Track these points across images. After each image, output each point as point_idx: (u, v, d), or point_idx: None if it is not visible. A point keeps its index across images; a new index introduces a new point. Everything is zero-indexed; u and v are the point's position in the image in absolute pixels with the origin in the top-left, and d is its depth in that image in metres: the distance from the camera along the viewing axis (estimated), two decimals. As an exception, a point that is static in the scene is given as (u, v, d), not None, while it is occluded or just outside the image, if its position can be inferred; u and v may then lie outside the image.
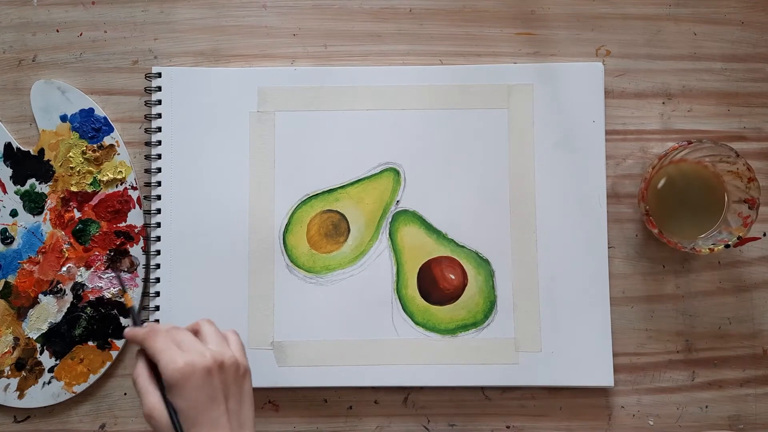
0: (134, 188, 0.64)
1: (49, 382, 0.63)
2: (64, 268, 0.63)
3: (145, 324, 0.53)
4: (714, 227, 0.62)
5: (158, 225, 0.63)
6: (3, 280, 0.63)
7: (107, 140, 0.64)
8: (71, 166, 0.64)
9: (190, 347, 0.51)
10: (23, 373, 0.63)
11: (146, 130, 0.64)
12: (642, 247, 0.64)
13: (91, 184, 0.64)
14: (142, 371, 0.51)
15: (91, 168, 0.64)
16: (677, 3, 0.65)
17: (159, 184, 0.64)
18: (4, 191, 0.64)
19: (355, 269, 0.63)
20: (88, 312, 0.63)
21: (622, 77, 0.65)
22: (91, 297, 0.63)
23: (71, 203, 0.64)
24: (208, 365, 0.50)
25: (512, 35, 0.65)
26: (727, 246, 0.59)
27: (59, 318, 0.63)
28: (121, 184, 0.64)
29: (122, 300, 0.63)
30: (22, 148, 0.64)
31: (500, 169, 0.63)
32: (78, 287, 0.63)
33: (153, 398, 0.50)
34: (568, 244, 0.63)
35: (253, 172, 0.64)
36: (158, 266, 0.63)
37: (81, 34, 0.66)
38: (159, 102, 0.64)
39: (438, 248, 0.63)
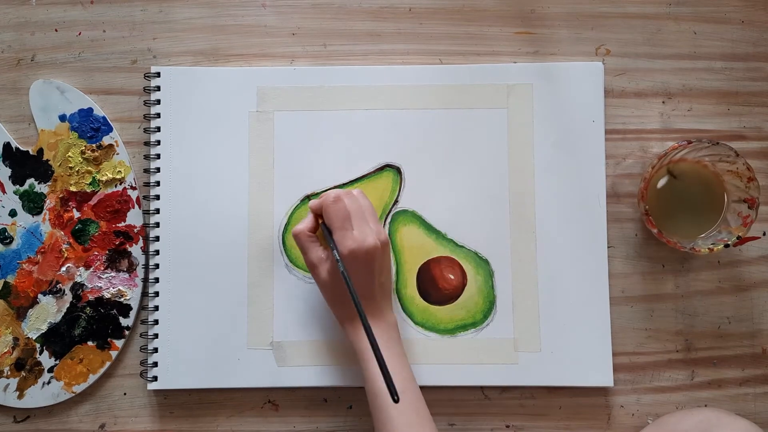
0: (133, 188, 0.64)
1: (49, 382, 0.63)
2: (64, 268, 0.63)
3: (327, 192, 0.58)
4: (713, 227, 0.62)
5: (157, 225, 0.63)
6: (2, 280, 0.63)
7: (106, 140, 0.64)
8: (70, 165, 0.64)
9: (359, 226, 0.57)
10: (23, 373, 0.63)
11: (145, 130, 0.64)
12: (641, 247, 0.64)
13: (90, 183, 0.64)
14: (303, 228, 0.58)
15: (90, 168, 0.64)
16: (677, 2, 0.65)
17: (158, 183, 0.63)
18: (3, 191, 0.64)
19: (354, 269, 0.63)
20: (88, 312, 0.63)
21: (622, 76, 0.65)
22: (91, 297, 0.63)
23: (70, 203, 0.64)
24: (370, 248, 0.56)
25: (512, 34, 0.65)
26: (726, 245, 0.58)
27: (59, 318, 0.63)
28: (120, 184, 0.64)
29: (122, 300, 0.63)
30: (21, 148, 0.64)
31: (500, 168, 0.63)
32: (77, 287, 0.63)
33: (314, 254, 0.58)
34: (568, 243, 0.63)
35: (253, 171, 0.63)
36: (157, 266, 0.63)
37: (80, 34, 0.65)
38: (158, 101, 0.64)
39: (437, 248, 0.63)
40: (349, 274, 0.56)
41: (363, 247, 0.56)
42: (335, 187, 0.63)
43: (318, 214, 0.59)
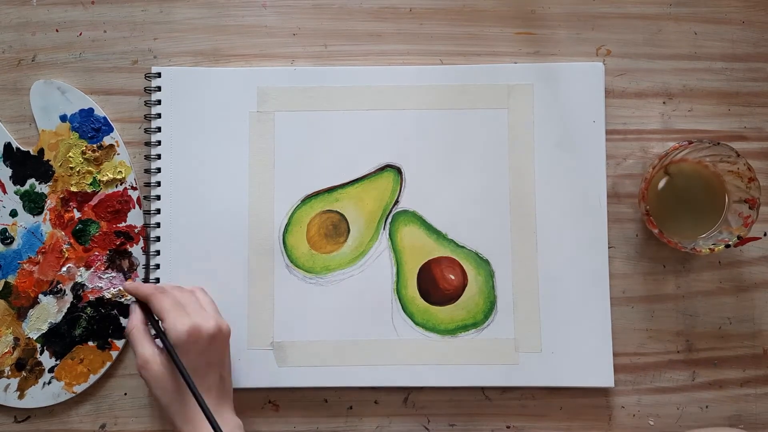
0: (134, 188, 0.64)
1: (50, 383, 0.63)
2: (64, 269, 0.63)
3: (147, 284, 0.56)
4: (714, 227, 0.62)
5: (158, 225, 0.63)
6: (3, 281, 0.63)
7: (107, 140, 0.64)
8: (71, 166, 0.64)
9: (195, 311, 0.54)
10: (23, 373, 0.63)
11: (146, 130, 0.64)
12: (642, 247, 0.64)
13: (90, 184, 0.64)
14: (137, 323, 0.55)
15: (90, 168, 0.64)
16: (678, 2, 0.65)
17: (159, 184, 0.64)
18: (4, 191, 0.64)
19: (354, 270, 0.63)
20: (88, 312, 0.63)
21: (623, 77, 0.65)
22: (91, 297, 0.63)
23: (71, 203, 0.64)
24: (212, 331, 0.53)
25: (512, 35, 0.65)
26: (727, 246, 0.58)
27: (59, 318, 0.63)
28: (120, 184, 0.64)
29: (122, 299, 0.63)
30: (22, 148, 0.64)
31: (500, 169, 0.63)
32: (78, 287, 0.63)
33: (147, 350, 0.53)
34: (568, 244, 0.63)
35: (253, 172, 0.64)
36: (158, 266, 0.63)
37: (80, 34, 0.65)
38: (159, 102, 0.64)
39: (438, 248, 0.63)
40: (183, 362, 0.51)
41: (203, 327, 0.53)
42: (335, 188, 0.63)
43: (144, 303, 0.56)
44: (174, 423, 0.54)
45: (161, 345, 0.55)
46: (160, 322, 0.55)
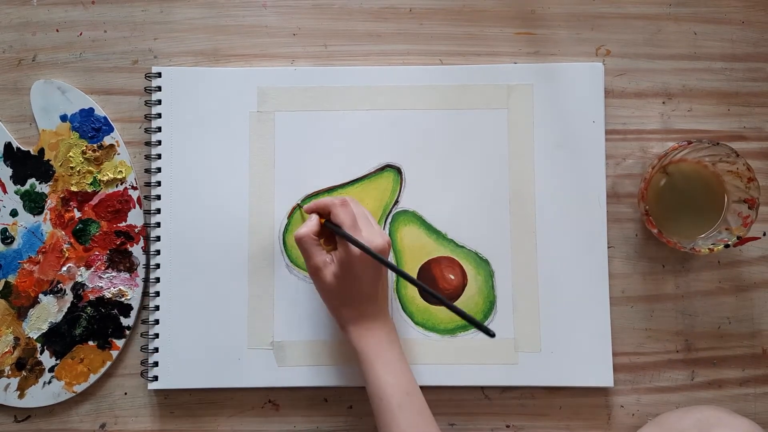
0: (134, 188, 0.64)
1: (50, 382, 0.63)
2: (65, 268, 0.63)
3: (329, 197, 0.60)
4: (714, 227, 0.62)
5: (158, 225, 0.63)
6: (3, 280, 0.63)
7: (107, 140, 0.64)
8: (71, 165, 0.64)
9: (366, 227, 0.56)
10: (23, 372, 0.63)
11: (146, 130, 0.64)
12: (642, 247, 0.64)
13: (91, 183, 0.64)
14: (310, 231, 0.57)
15: (91, 168, 0.64)
16: (677, 2, 0.65)
17: (159, 183, 0.64)
18: (4, 191, 0.64)
19: (354, 269, 0.63)
20: (89, 312, 0.63)
21: (622, 77, 0.65)
22: (92, 297, 0.63)
23: (71, 203, 0.64)
24: (381, 248, 0.56)
25: (512, 35, 0.65)
26: (726, 246, 0.59)
27: (59, 318, 0.63)
28: (121, 184, 0.64)
29: (122, 300, 0.63)
30: (22, 148, 0.64)
31: (500, 169, 0.63)
32: (78, 287, 0.63)
33: (319, 257, 0.57)
34: (568, 244, 0.63)
35: (253, 172, 0.64)
36: (158, 266, 0.63)
37: (81, 34, 0.66)
38: (159, 102, 0.64)
39: (438, 248, 0.63)
40: (358, 274, 0.55)
41: (374, 247, 0.55)
42: (335, 188, 0.63)
43: (321, 216, 0.59)
44: (340, 322, 0.58)
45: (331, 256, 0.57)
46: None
